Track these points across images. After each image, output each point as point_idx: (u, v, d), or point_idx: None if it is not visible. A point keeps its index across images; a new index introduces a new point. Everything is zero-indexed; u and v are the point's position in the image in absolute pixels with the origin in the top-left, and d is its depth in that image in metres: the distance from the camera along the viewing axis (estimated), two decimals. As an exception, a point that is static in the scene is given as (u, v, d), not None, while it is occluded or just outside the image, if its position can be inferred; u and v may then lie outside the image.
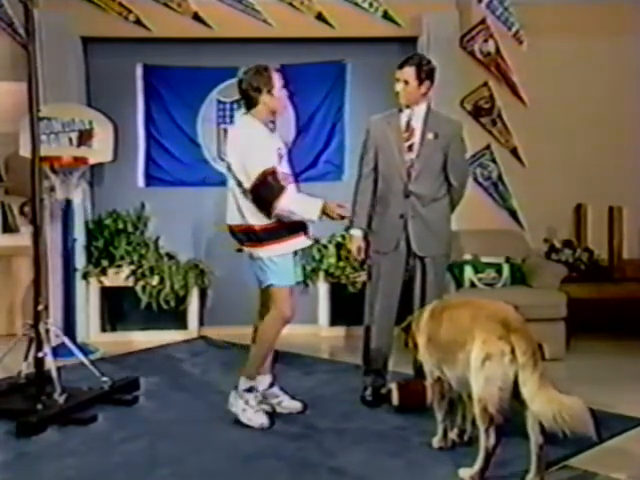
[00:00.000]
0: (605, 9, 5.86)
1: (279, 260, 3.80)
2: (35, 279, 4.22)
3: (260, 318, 3.95)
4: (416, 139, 4.09)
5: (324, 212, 3.74)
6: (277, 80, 3.81)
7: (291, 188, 3.82)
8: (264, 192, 3.70)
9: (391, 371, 4.28)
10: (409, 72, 4.03)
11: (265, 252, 3.80)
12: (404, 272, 4.15)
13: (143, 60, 6.13)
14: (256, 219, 3.77)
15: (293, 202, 3.75)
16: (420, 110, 4.11)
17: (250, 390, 3.87)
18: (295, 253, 3.90)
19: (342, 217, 3.84)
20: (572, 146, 6.00)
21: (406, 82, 4.04)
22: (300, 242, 3.90)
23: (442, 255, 4.19)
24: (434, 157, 4.10)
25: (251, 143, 3.76)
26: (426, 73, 4.05)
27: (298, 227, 3.85)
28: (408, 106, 4.10)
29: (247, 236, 3.82)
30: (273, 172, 3.69)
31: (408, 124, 4.12)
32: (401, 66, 4.07)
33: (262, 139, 3.78)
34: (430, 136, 4.08)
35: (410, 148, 4.10)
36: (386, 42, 5.99)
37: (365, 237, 4.20)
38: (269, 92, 3.78)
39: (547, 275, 5.41)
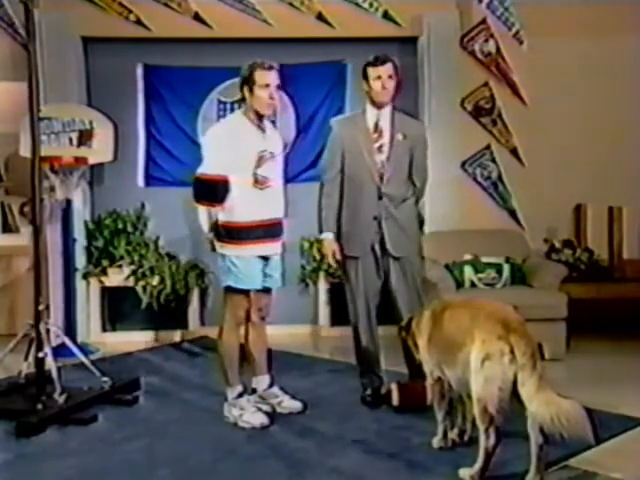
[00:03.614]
0: (605, 9, 5.85)
1: (238, 261, 3.77)
2: (35, 279, 4.22)
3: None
4: (385, 140, 4.05)
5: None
6: (261, 77, 3.72)
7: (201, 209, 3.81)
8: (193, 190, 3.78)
9: (388, 371, 4.28)
10: (390, 68, 4.01)
11: (225, 251, 3.79)
12: (381, 273, 4.11)
13: (143, 60, 6.13)
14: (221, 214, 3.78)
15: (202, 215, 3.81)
16: (387, 111, 4.08)
17: (241, 395, 3.88)
18: (264, 258, 3.86)
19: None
20: (572, 146, 6.00)
21: (390, 77, 4.00)
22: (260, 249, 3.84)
23: (417, 255, 4.16)
24: (403, 158, 4.07)
25: (210, 141, 3.80)
26: (397, 69, 4.05)
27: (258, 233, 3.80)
28: (380, 106, 4.05)
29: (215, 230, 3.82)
30: (202, 179, 3.72)
31: (377, 125, 4.07)
32: (383, 62, 4.00)
33: (226, 139, 3.71)
34: (400, 137, 4.04)
35: (380, 149, 4.05)
36: (386, 42, 5.97)
37: (337, 239, 4.13)
38: (250, 89, 3.75)
39: (547, 275, 5.40)
